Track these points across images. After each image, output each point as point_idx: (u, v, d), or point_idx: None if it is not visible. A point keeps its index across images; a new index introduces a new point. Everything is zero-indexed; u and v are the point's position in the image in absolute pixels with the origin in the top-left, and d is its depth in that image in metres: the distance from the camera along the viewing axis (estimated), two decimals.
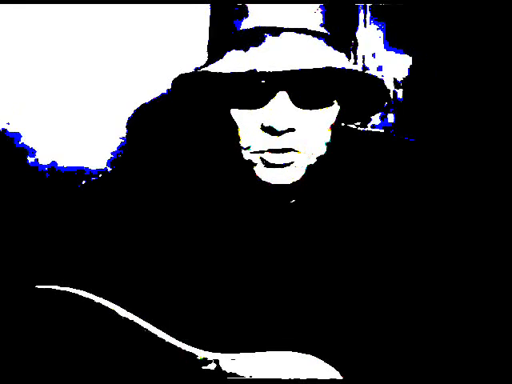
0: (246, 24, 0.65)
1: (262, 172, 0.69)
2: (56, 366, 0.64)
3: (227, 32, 0.67)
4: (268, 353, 0.65)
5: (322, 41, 0.66)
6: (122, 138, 1.07)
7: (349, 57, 0.70)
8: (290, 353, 0.65)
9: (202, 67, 0.69)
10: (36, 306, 0.66)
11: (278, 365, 0.64)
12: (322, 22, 0.66)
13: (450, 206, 0.77)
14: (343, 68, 0.63)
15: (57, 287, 0.66)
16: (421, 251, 0.74)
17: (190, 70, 0.68)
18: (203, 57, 0.73)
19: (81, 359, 0.64)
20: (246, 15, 0.65)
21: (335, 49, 0.67)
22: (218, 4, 0.71)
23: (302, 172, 0.69)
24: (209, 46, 0.73)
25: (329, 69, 0.63)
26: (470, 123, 1.20)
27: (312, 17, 0.65)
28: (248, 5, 0.65)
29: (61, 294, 0.65)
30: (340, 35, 0.68)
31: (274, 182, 0.68)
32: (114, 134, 1.09)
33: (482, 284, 0.73)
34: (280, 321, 0.72)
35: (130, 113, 1.08)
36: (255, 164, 0.69)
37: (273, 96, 0.66)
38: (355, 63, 0.73)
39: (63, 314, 0.65)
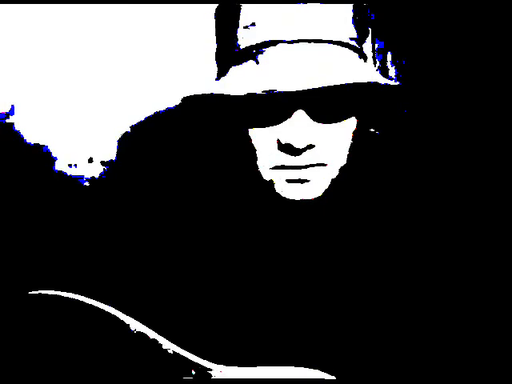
0: (255, 37, 0.62)
1: (281, 189, 0.67)
2: (51, 375, 0.62)
3: (236, 46, 0.64)
4: (273, 368, 0.64)
5: (340, 48, 0.63)
6: (135, 151, 1.05)
7: (365, 59, 0.67)
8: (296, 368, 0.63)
9: (213, 82, 0.67)
10: (29, 313, 0.63)
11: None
12: (341, 29, 0.63)
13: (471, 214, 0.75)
14: (368, 82, 0.60)
15: (51, 292, 0.63)
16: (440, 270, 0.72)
17: (202, 80, 0.66)
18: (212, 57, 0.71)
19: (78, 367, 0.62)
20: (255, 27, 0.62)
21: (358, 56, 0.64)
22: (224, 14, 0.68)
23: (324, 186, 0.67)
24: (217, 59, 0.71)
25: (353, 84, 0.60)
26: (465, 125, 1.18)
27: (329, 25, 0.62)
28: (256, 16, 0.62)
29: (56, 300, 0.63)
30: (359, 40, 0.65)
31: (294, 197, 0.67)
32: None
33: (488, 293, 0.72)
34: (294, 335, 0.70)
35: (145, 130, 1.06)
36: (274, 182, 0.67)
37: (290, 113, 0.63)
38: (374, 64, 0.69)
39: (59, 321, 0.63)
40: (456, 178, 0.78)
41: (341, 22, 0.63)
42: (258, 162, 0.67)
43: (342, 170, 0.68)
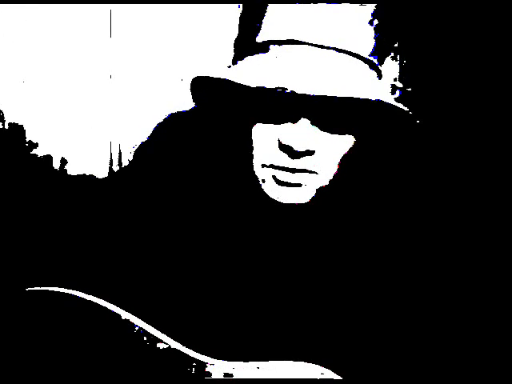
0: (280, 33, 0.62)
1: (271, 189, 0.66)
2: (50, 372, 0.61)
3: (258, 36, 0.64)
4: (273, 362, 0.63)
5: (361, 63, 0.62)
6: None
7: (380, 77, 0.67)
8: (294, 363, 0.63)
9: (226, 67, 0.66)
10: (28, 310, 0.63)
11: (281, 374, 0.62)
12: (366, 44, 0.62)
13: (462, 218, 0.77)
14: (391, 104, 0.60)
15: (50, 288, 0.62)
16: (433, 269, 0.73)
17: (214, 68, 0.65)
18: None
19: (78, 365, 0.61)
20: (282, 23, 0.61)
21: (376, 75, 0.64)
22: (251, 3, 0.66)
23: (312, 193, 0.67)
24: (235, 45, 0.69)
25: (364, 100, 0.59)
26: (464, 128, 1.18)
27: (355, 37, 0.61)
28: (284, 12, 0.61)
29: (55, 296, 0.62)
30: (379, 58, 0.65)
31: (282, 200, 0.66)
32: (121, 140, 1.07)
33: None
34: (287, 332, 0.71)
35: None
36: (265, 180, 0.67)
37: (297, 115, 0.63)
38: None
39: (59, 318, 0.62)
40: (440, 196, 0.79)
41: (366, 34, 0.62)
42: (253, 157, 0.67)
43: (332, 177, 0.67)
